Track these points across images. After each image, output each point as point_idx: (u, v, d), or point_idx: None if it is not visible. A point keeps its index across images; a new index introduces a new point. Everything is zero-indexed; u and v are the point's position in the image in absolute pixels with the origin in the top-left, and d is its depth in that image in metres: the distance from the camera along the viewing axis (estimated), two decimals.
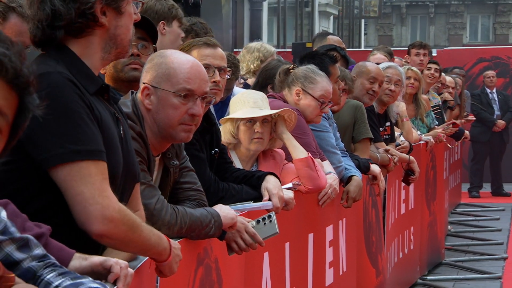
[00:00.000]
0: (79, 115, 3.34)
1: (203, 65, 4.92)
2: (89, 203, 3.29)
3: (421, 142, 10.46)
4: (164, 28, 5.53)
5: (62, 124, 3.32)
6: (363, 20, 48.84)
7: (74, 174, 3.32)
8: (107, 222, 3.27)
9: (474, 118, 15.55)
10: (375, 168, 7.70)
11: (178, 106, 4.08)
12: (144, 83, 4.15)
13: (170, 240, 3.59)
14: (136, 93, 4.24)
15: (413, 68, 10.84)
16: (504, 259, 11.72)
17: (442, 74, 13.23)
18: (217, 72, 5.17)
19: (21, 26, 4.42)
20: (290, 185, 5.55)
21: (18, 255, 2.74)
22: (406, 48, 12.87)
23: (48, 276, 2.73)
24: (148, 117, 4.08)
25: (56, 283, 2.71)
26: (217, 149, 5.16)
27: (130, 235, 3.33)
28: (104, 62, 3.61)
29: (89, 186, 3.30)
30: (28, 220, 3.08)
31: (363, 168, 7.41)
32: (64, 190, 3.31)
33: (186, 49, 5.16)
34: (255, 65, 8.12)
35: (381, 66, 8.61)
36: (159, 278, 3.69)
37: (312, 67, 6.63)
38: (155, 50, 4.57)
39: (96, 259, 3.12)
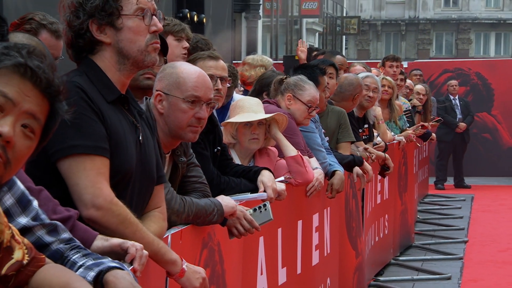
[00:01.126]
0: (81, 117, 3.32)
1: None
2: (82, 192, 3.27)
3: (394, 141, 10.46)
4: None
5: (66, 124, 3.35)
6: (344, 37, 48.80)
7: (72, 167, 3.31)
8: (95, 210, 3.24)
9: (442, 120, 15.62)
10: (367, 165, 7.77)
11: (186, 111, 4.07)
12: (157, 90, 4.14)
13: (187, 263, 3.56)
14: (149, 99, 4.25)
15: (387, 77, 10.84)
16: (465, 242, 11.73)
17: (408, 81, 13.30)
18: (219, 81, 5.16)
19: (51, 41, 4.43)
20: (282, 178, 5.55)
21: (48, 238, 2.75)
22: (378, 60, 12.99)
23: (73, 257, 2.72)
24: (160, 119, 4.07)
25: (80, 262, 2.70)
26: (219, 148, 5.15)
27: (122, 228, 3.27)
28: (124, 73, 3.54)
29: (83, 177, 3.29)
30: (59, 205, 3.10)
31: (358, 162, 7.48)
32: (66, 181, 3.31)
33: (192, 62, 5.15)
34: (261, 72, 8.13)
35: (360, 75, 8.62)
36: None
37: (302, 77, 6.64)
38: (165, 62, 4.56)
39: (115, 240, 3.12)
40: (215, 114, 5.35)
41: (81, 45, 3.53)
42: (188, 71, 4.17)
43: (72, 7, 3.50)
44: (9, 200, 2.67)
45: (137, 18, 3.46)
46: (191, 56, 5.38)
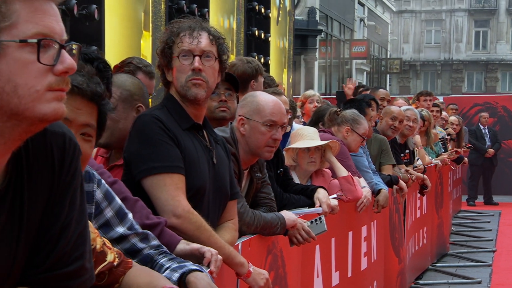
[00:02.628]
0: (159, 142, 3.37)
1: None
2: (164, 204, 3.32)
3: (432, 165, 10.39)
4: (254, 84, 5.55)
5: (147, 149, 3.38)
6: (388, 75, 48.54)
7: (154, 184, 3.36)
8: (176, 218, 3.27)
9: (473, 147, 15.64)
10: (402, 183, 7.71)
11: (265, 133, 4.10)
12: (239, 115, 4.17)
13: (253, 266, 3.56)
14: (232, 123, 4.28)
15: (426, 110, 10.84)
16: (494, 251, 11.60)
17: (444, 113, 13.25)
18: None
19: (145, 80, 4.48)
20: (335, 195, 5.54)
21: (141, 245, 2.79)
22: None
23: (161, 260, 2.76)
24: (242, 140, 4.09)
25: (167, 265, 2.73)
26: (282, 169, 5.18)
27: (198, 234, 3.29)
28: (187, 105, 3.54)
29: (164, 192, 3.33)
30: (151, 213, 3.16)
31: (394, 181, 7.45)
32: (150, 196, 3.35)
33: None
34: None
35: (402, 108, 8.59)
36: None
37: (355, 111, 6.68)
38: (237, 97, 4.58)
39: (195, 245, 3.13)
40: None
41: (164, 83, 3.62)
42: (267, 99, 4.20)
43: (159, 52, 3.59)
44: (109, 212, 2.73)
45: (179, 59, 3.48)
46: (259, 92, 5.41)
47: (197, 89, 3.47)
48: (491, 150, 17.22)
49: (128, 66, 4.70)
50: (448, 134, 13.08)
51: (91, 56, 3.19)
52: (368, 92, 9.90)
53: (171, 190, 3.35)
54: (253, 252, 3.95)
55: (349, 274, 6.01)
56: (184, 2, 9.58)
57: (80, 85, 2.33)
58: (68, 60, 1.72)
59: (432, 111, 11.61)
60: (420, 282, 9.50)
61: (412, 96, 14.55)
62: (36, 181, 1.85)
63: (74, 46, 1.77)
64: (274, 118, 4.11)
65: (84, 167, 2.39)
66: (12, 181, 1.82)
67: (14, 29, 1.68)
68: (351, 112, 6.66)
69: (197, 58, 3.45)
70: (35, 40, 1.68)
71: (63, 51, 1.72)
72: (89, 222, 2.12)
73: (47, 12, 1.71)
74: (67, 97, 2.13)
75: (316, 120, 6.89)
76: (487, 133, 17.44)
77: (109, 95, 3.16)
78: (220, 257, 3.15)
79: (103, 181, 2.74)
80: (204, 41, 3.47)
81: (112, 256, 2.40)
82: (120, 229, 2.76)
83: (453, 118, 13.76)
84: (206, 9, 10.02)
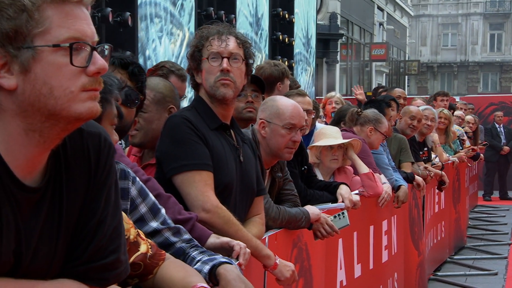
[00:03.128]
0: (188, 141, 3.39)
1: None
2: (194, 199, 3.33)
3: (449, 162, 10.33)
4: (280, 86, 5.56)
5: (177, 148, 3.40)
6: (406, 76, 48.31)
7: (184, 181, 3.38)
8: (205, 213, 3.28)
9: (489, 144, 15.64)
10: (418, 179, 7.68)
11: (284, 135, 4.09)
12: (260, 118, 4.17)
13: (279, 258, 3.56)
14: (254, 125, 4.28)
15: (445, 110, 10.81)
16: (509, 244, 11.52)
17: (460, 112, 13.16)
18: (305, 113, 5.18)
19: (178, 83, 4.49)
20: (356, 191, 5.52)
21: (173, 238, 2.80)
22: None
23: (193, 253, 2.77)
24: (263, 142, 4.09)
25: (198, 258, 2.73)
26: (306, 167, 5.18)
27: (227, 228, 3.30)
28: (216, 105, 3.56)
29: (194, 188, 3.35)
30: (183, 209, 3.17)
31: (410, 178, 7.40)
32: (180, 192, 3.36)
33: (286, 96, 5.21)
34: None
35: (421, 108, 8.57)
36: None
37: (375, 111, 6.69)
38: (263, 98, 4.58)
39: (224, 239, 3.14)
40: (301, 139, 5.37)
41: (193, 85, 3.64)
42: (286, 103, 4.19)
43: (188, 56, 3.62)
44: (143, 208, 2.75)
45: (209, 61, 3.49)
46: (284, 93, 5.41)
47: (225, 88, 3.48)
48: (506, 148, 17.17)
49: (162, 69, 4.72)
50: (466, 132, 13.03)
51: (126, 61, 3.22)
52: (386, 92, 9.90)
53: (200, 186, 3.37)
54: (279, 245, 3.95)
55: (371, 266, 5.99)
56: (212, 8, 9.60)
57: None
58: (100, 61, 1.73)
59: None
60: (439, 273, 9.46)
61: (429, 96, 14.59)
62: (74, 179, 1.86)
63: (106, 47, 1.78)
64: (293, 121, 4.11)
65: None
66: (52, 179, 1.83)
67: (47, 35, 1.68)
68: (372, 112, 6.67)
69: (225, 59, 3.46)
70: (67, 44, 1.69)
71: (95, 53, 1.73)
72: (124, 214, 2.13)
73: (78, 16, 1.71)
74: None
75: (338, 120, 6.88)
76: (502, 131, 17.40)
77: (143, 97, 3.19)
78: (248, 250, 3.15)
79: (137, 179, 2.76)
80: (232, 44, 3.49)
81: (145, 247, 2.41)
82: (154, 224, 2.78)
83: (469, 117, 13.69)
84: (233, 15, 10.03)
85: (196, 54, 3.52)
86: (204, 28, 3.60)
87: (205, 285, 2.40)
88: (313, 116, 5.94)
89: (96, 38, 1.75)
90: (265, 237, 3.76)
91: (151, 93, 3.68)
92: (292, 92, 5.39)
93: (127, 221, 2.34)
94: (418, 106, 8.78)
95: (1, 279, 1.69)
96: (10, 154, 1.73)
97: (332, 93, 9.25)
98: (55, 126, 1.74)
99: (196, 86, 3.62)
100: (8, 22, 1.65)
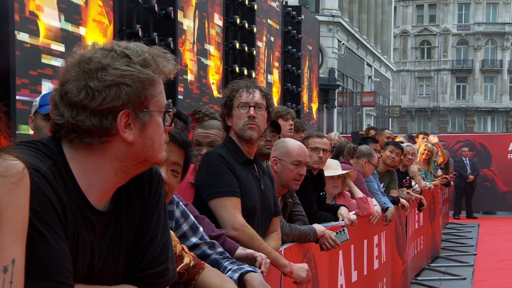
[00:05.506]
0: (221, 173, 3.39)
1: (313, 148, 5.02)
2: (225, 220, 3.32)
3: (426, 188, 10.28)
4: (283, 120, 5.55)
5: (212, 178, 3.40)
6: (390, 118, 48.28)
7: (217, 204, 3.37)
8: (234, 231, 3.27)
9: (458, 174, 15.61)
10: (404, 201, 7.66)
11: (293, 170, 4.07)
12: (273, 157, 4.16)
13: (294, 264, 3.54)
14: (268, 162, 4.25)
15: (429, 144, 10.98)
16: (475, 254, 11.38)
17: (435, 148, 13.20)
18: (321, 152, 5.16)
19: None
20: (353, 212, 5.51)
21: (209, 251, 2.78)
22: (415, 134, 13.10)
23: (225, 264, 2.75)
24: (275, 175, 4.05)
25: (229, 267, 2.71)
26: (324, 192, 5.20)
27: (251, 243, 3.28)
28: (242, 144, 3.55)
29: (225, 211, 3.34)
30: (215, 227, 3.15)
31: (396, 201, 7.39)
32: (214, 213, 3.35)
33: (307, 138, 5.24)
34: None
35: (403, 145, 8.54)
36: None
37: (368, 147, 6.71)
38: (279, 137, 4.58)
39: (249, 250, 3.12)
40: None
41: (224, 127, 3.64)
42: (294, 144, 4.17)
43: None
44: (185, 226, 2.73)
45: (239, 109, 3.50)
46: (306, 136, 5.43)
47: (251, 131, 3.50)
48: (471, 176, 17.12)
49: (198, 113, 4.74)
50: (439, 164, 13.01)
51: (180, 115, 3.26)
52: (376, 133, 9.92)
53: (230, 209, 3.36)
54: (292, 256, 3.92)
55: (365, 273, 5.93)
56: (236, 65, 9.64)
57: (174, 134, 2.38)
58: (172, 124, 1.85)
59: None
60: (419, 278, 9.34)
61: (405, 134, 14.72)
62: (132, 205, 1.87)
63: (171, 111, 1.87)
64: (299, 158, 4.08)
65: (171, 196, 2.41)
66: (116, 205, 1.84)
67: (158, 102, 1.78)
68: (366, 148, 6.66)
69: (252, 108, 3.49)
70: (163, 110, 1.80)
71: (167, 116, 1.83)
72: (172, 232, 2.12)
73: (162, 90, 1.82)
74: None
75: (338, 154, 6.86)
76: (468, 163, 17.34)
77: (193, 144, 3.21)
78: (268, 260, 3.13)
79: (180, 203, 2.75)
80: (257, 96, 3.51)
81: (188, 259, 2.39)
82: (194, 239, 2.76)
83: (443, 150, 13.65)
84: (252, 70, 10.06)
85: (228, 103, 3.54)
86: (234, 83, 3.62)
87: None
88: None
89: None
90: (281, 250, 3.74)
91: (220, 132, 3.78)
92: (312, 134, 5.38)
93: (174, 239, 2.33)
94: (402, 143, 8.74)
95: (77, 285, 1.68)
96: (91, 188, 1.74)
97: (332, 134, 9.25)
98: (140, 167, 1.81)
99: (227, 128, 3.62)
100: (141, 91, 1.74)
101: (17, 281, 1.47)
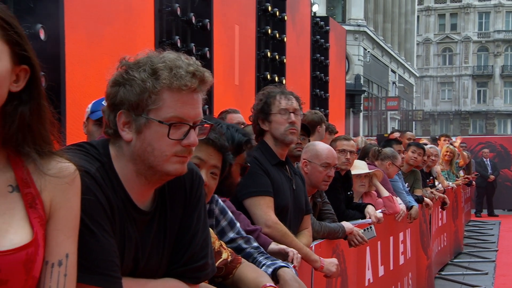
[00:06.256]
0: (255, 174, 3.38)
1: (341, 150, 5.01)
2: (259, 218, 3.31)
3: (449, 187, 10.15)
4: (319, 129, 5.53)
5: (247, 179, 3.31)
6: (414, 122, 47.79)
7: (252, 203, 3.36)
8: (267, 228, 3.26)
9: (479, 174, 15.43)
10: (428, 200, 7.58)
11: (322, 172, 4.05)
12: (303, 159, 4.14)
13: (324, 259, 3.52)
14: (298, 163, 4.24)
15: (451, 146, 10.86)
16: (496, 250, 11.23)
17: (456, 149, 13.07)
18: (348, 154, 5.14)
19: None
20: (380, 210, 5.47)
21: (244, 245, 2.78)
22: (438, 137, 12.98)
23: (259, 258, 2.74)
24: (306, 177, 4.04)
25: (263, 262, 2.70)
26: (351, 192, 5.18)
27: (283, 239, 3.26)
28: (277, 147, 3.55)
29: (259, 209, 3.33)
30: (250, 223, 3.15)
31: (420, 200, 7.30)
32: (249, 212, 3.34)
33: (334, 141, 5.22)
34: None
35: (427, 146, 8.46)
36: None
37: (392, 149, 6.65)
38: (309, 140, 4.56)
39: (282, 246, 3.11)
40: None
41: (257, 131, 3.62)
42: (323, 147, 4.16)
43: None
44: (224, 222, 2.74)
45: (280, 115, 3.49)
46: (334, 138, 5.42)
47: (293, 136, 3.52)
48: (492, 176, 16.90)
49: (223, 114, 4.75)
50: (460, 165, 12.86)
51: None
52: (399, 135, 9.84)
53: (264, 208, 3.35)
54: (322, 251, 3.90)
55: (391, 268, 5.88)
56: (267, 72, 9.64)
57: (214, 139, 2.37)
58: (192, 138, 1.72)
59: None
60: (442, 273, 9.24)
61: (429, 137, 14.56)
62: (174, 204, 1.88)
63: (205, 126, 1.79)
64: (328, 161, 4.06)
65: (210, 196, 2.41)
66: (159, 205, 1.85)
67: (159, 111, 1.70)
68: (390, 150, 6.60)
69: (292, 114, 3.50)
70: (167, 124, 1.70)
71: (192, 131, 1.73)
72: (211, 230, 2.13)
73: (186, 102, 1.72)
74: (204, 145, 2.20)
75: (363, 156, 6.82)
76: (489, 164, 17.12)
77: (230, 149, 3.15)
78: (300, 255, 3.12)
79: (219, 200, 2.76)
80: (294, 102, 3.52)
81: (226, 254, 2.40)
82: (231, 234, 2.76)
83: (464, 153, 13.49)
84: (283, 77, 10.05)
85: (265, 108, 3.53)
86: (267, 88, 3.61)
87: (273, 284, 2.38)
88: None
89: (200, 118, 1.75)
90: (312, 246, 3.73)
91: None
92: (340, 137, 5.37)
93: (213, 236, 2.33)
94: (426, 144, 8.66)
95: (125, 278, 1.70)
96: (130, 188, 1.76)
97: (358, 138, 9.21)
98: (154, 175, 1.76)
99: (261, 132, 3.60)
100: (135, 96, 1.71)
101: (70, 274, 1.50)
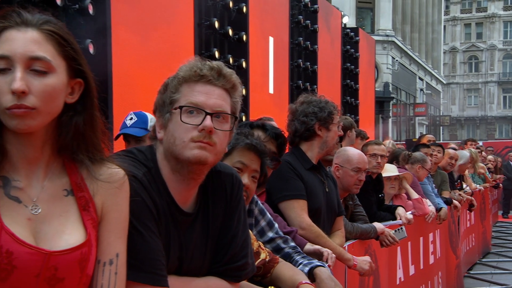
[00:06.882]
0: (289, 178, 3.37)
1: (372, 154, 4.96)
2: (293, 220, 3.29)
3: (477, 189, 9.97)
4: (349, 134, 5.49)
5: (281, 183, 3.36)
6: (441, 127, 47.11)
7: (286, 206, 3.34)
8: (301, 230, 3.24)
9: (506, 177, 15.11)
10: (456, 202, 7.46)
11: (353, 176, 4.01)
12: (335, 163, 4.11)
13: (357, 257, 3.49)
14: (330, 168, 4.20)
15: (472, 150, 10.63)
16: None
17: (484, 153, 12.82)
18: (379, 157, 5.09)
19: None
20: (410, 212, 5.40)
21: (283, 245, 2.77)
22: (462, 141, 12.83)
23: (296, 258, 2.73)
24: (338, 181, 4.01)
25: (300, 261, 2.69)
26: (382, 194, 5.13)
27: (318, 240, 3.24)
28: (319, 153, 3.58)
29: (293, 212, 3.31)
30: (286, 224, 3.15)
31: (449, 202, 7.18)
32: (284, 214, 3.32)
33: (366, 146, 5.17)
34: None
35: (456, 151, 8.36)
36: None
37: (422, 153, 6.58)
38: (341, 146, 4.53)
39: (316, 246, 3.10)
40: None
41: (298, 135, 3.56)
42: (354, 152, 4.12)
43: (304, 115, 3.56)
44: (263, 222, 2.74)
45: (338, 128, 3.54)
46: (365, 143, 5.37)
47: (337, 144, 3.64)
48: None
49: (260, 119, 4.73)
50: (488, 168, 12.62)
51: (278, 133, 3.19)
52: (419, 138, 9.72)
53: (297, 211, 3.34)
54: (355, 252, 3.87)
55: (421, 267, 5.79)
56: (300, 81, 9.63)
57: (255, 145, 2.39)
58: (207, 123, 1.70)
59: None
60: (471, 272, 9.06)
61: (460, 141, 14.28)
62: (216, 206, 1.88)
63: (220, 115, 1.75)
64: (359, 165, 4.03)
65: (250, 199, 2.42)
66: (201, 207, 1.85)
67: (177, 102, 1.74)
68: (419, 154, 6.53)
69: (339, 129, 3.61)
70: (179, 107, 1.73)
71: (208, 117, 1.71)
72: (250, 232, 2.13)
73: (202, 91, 1.74)
74: (247, 151, 2.24)
75: (392, 160, 6.75)
76: None
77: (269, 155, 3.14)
78: (334, 255, 3.10)
79: (259, 202, 2.76)
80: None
81: (264, 254, 2.40)
82: (270, 234, 2.76)
83: (491, 157, 13.27)
84: (315, 86, 10.03)
85: (327, 118, 3.53)
86: (314, 102, 3.58)
87: (308, 282, 2.37)
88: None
89: (218, 108, 1.74)
90: (346, 246, 3.70)
91: None
92: (371, 142, 5.33)
93: (252, 237, 2.34)
94: (454, 149, 8.55)
95: (170, 276, 1.72)
96: (174, 191, 1.78)
97: (386, 142, 9.09)
98: (183, 168, 1.75)
99: (293, 142, 3.60)
100: (161, 97, 1.78)
101: (120, 272, 1.52)
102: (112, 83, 4.71)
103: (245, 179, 2.33)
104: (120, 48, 4.96)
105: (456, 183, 8.32)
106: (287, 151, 3.54)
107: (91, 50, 4.48)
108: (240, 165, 2.33)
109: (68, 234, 1.43)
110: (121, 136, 3.57)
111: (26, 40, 1.38)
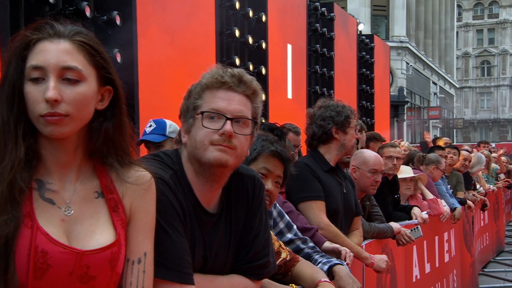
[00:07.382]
0: (308, 180, 3.36)
1: (388, 156, 4.92)
2: (312, 220, 3.27)
3: (490, 190, 9.84)
4: (360, 135, 5.46)
5: (300, 184, 3.35)
6: (455, 129, 46.65)
7: (305, 207, 3.32)
8: (320, 229, 3.21)
9: None
10: (470, 202, 7.38)
11: (370, 177, 3.99)
12: (352, 165, 4.09)
13: (374, 256, 3.46)
14: (347, 169, 4.18)
15: (486, 151, 10.51)
16: None
17: (495, 154, 12.63)
18: (395, 159, 5.06)
19: (294, 137, 4.47)
20: (425, 212, 5.35)
21: (302, 246, 2.76)
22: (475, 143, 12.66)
23: (316, 257, 2.72)
24: (355, 182, 4.00)
25: (319, 260, 2.68)
26: (398, 195, 5.09)
27: (336, 240, 3.22)
28: (337, 155, 3.56)
29: (312, 213, 3.30)
30: (307, 222, 3.13)
31: (463, 202, 7.11)
32: (303, 214, 3.29)
33: (382, 148, 5.13)
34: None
35: (470, 154, 8.27)
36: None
37: (436, 155, 6.51)
38: (357, 148, 4.50)
39: (335, 245, 3.07)
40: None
41: (316, 139, 3.55)
42: (370, 155, 4.10)
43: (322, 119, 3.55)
44: (281, 224, 2.73)
45: (353, 131, 3.51)
46: (381, 146, 5.34)
47: (354, 147, 3.65)
48: None
49: (283, 128, 4.71)
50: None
51: (269, 125, 3.24)
52: (436, 140, 9.61)
53: (316, 211, 3.33)
54: (372, 250, 3.84)
55: (437, 265, 5.73)
56: (318, 87, 9.61)
57: (279, 151, 2.38)
58: (227, 127, 1.71)
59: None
60: (486, 270, 8.94)
61: (474, 143, 14.11)
62: (239, 207, 1.89)
63: (241, 120, 1.76)
64: (375, 167, 4.01)
65: (273, 203, 2.42)
66: (224, 208, 1.86)
67: (200, 108, 1.75)
68: (434, 156, 6.47)
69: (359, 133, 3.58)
70: (200, 112, 1.75)
71: (228, 122, 1.72)
72: (271, 232, 2.13)
73: (222, 97, 1.75)
74: (271, 158, 2.26)
75: (407, 161, 6.69)
76: None
77: (292, 160, 3.15)
78: (352, 253, 3.08)
79: (277, 204, 2.75)
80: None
81: (285, 254, 2.39)
82: (289, 235, 2.75)
83: (503, 158, 13.07)
84: (332, 91, 10.01)
85: (345, 121, 3.52)
86: (331, 106, 3.58)
87: (327, 279, 2.36)
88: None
89: (239, 114, 1.74)
90: (363, 245, 3.68)
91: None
92: (387, 144, 5.29)
93: (273, 237, 2.33)
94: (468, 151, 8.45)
95: (195, 274, 1.72)
96: (198, 193, 1.79)
97: (402, 142, 9.02)
98: (206, 171, 1.76)
99: (311, 145, 3.59)
100: (185, 103, 1.79)
101: (148, 270, 1.53)
102: (138, 90, 4.75)
103: (268, 184, 2.32)
104: (145, 57, 5.00)
105: (471, 184, 8.24)
106: (304, 154, 3.54)
107: (119, 59, 4.52)
108: (265, 171, 2.34)
109: (99, 234, 1.44)
110: (143, 144, 3.60)
111: (58, 51, 1.40)
